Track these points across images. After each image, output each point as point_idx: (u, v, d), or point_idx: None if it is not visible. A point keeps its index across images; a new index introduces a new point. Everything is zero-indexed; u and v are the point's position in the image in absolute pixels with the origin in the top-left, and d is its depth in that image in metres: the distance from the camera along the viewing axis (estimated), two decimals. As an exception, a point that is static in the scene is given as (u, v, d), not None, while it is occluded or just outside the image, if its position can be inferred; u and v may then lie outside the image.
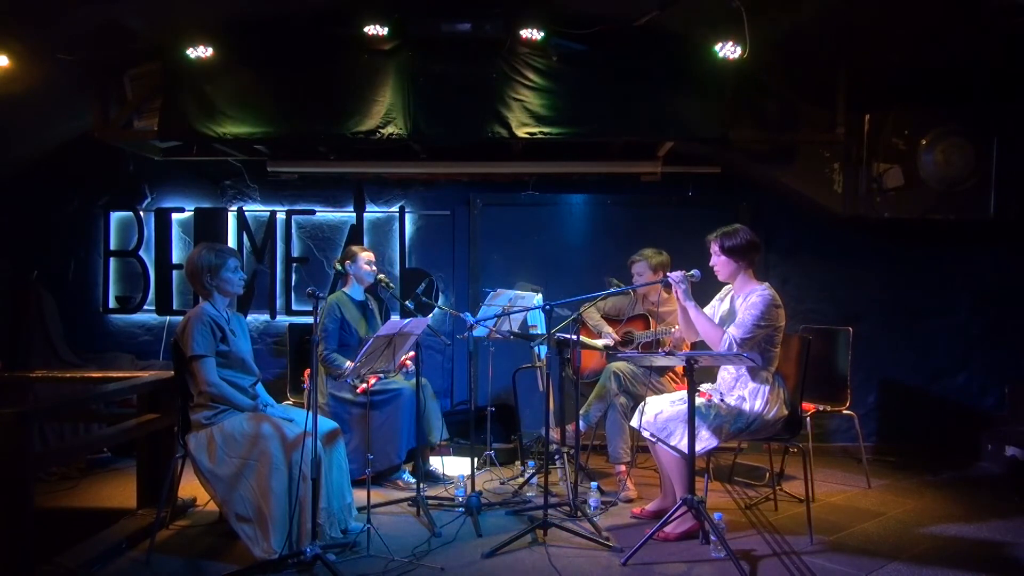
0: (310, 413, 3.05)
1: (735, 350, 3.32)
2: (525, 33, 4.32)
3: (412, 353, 4.15)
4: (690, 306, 3.45)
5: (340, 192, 5.67)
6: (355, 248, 4.52)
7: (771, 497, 4.06)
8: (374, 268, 4.45)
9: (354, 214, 5.65)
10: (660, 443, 3.48)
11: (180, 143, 5.14)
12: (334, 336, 4.28)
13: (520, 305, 4.24)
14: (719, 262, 3.54)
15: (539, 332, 4.31)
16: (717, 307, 3.66)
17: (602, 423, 4.32)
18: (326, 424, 3.48)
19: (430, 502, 3.86)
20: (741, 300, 3.46)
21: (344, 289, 4.48)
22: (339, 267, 4.49)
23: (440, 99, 4.54)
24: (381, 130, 4.53)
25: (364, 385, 4.10)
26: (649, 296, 4.60)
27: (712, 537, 3.25)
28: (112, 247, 5.67)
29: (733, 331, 3.36)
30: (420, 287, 5.45)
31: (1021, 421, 5.19)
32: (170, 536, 3.53)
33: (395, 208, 5.66)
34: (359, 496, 3.57)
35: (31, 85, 4.33)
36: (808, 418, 4.24)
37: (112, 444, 4.68)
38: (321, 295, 3.29)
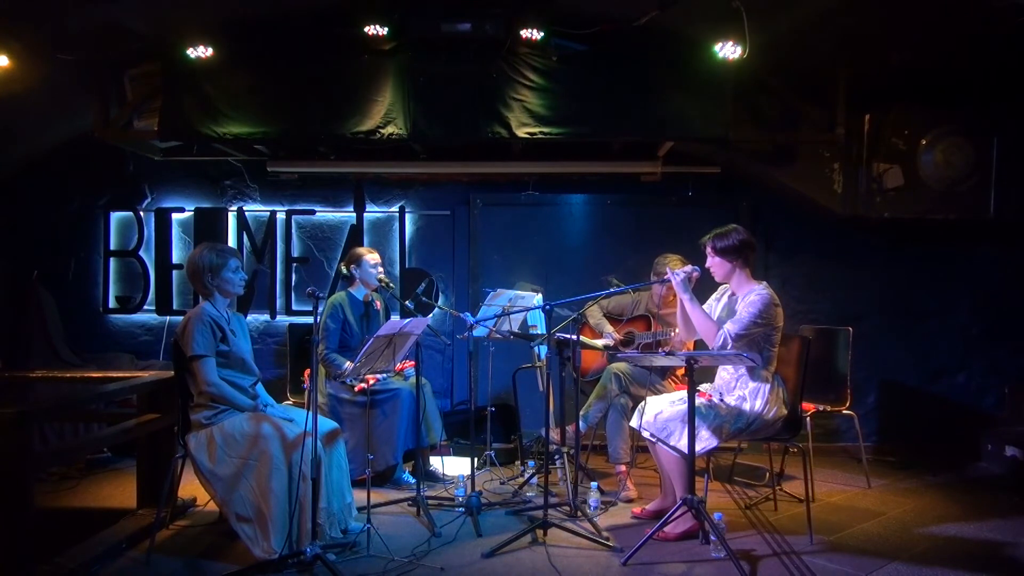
0: (310, 413, 3.05)
1: (730, 345, 3.33)
2: (525, 33, 4.32)
3: (412, 362, 4.16)
4: (686, 298, 3.47)
5: (340, 192, 5.67)
6: (360, 250, 4.48)
7: (771, 497, 4.06)
8: (379, 270, 4.43)
9: (354, 214, 5.65)
10: (660, 443, 3.48)
11: (180, 143, 5.15)
12: (335, 336, 4.28)
13: (520, 305, 4.24)
14: (714, 263, 3.55)
15: (539, 332, 4.31)
16: (714, 306, 3.67)
17: (602, 423, 4.33)
18: (326, 424, 3.47)
19: (430, 502, 3.86)
20: (740, 300, 3.47)
21: (349, 289, 4.48)
22: (344, 270, 4.46)
23: (440, 99, 4.54)
24: (381, 130, 4.54)
25: (363, 384, 4.09)
26: (652, 297, 4.60)
27: (712, 537, 3.25)
28: (112, 247, 5.67)
29: (729, 326, 3.37)
30: (420, 287, 5.45)
31: (1021, 421, 5.19)
32: (170, 536, 3.53)
33: (395, 208, 5.66)
34: (359, 496, 3.57)
35: (31, 85, 4.33)
36: (808, 418, 4.24)
37: (112, 444, 4.68)
38: (321, 295, 3.29)
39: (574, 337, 3.80)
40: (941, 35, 4.27)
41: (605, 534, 3.46)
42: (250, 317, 5.60)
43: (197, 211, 5.62)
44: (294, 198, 5.69)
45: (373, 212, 5.68)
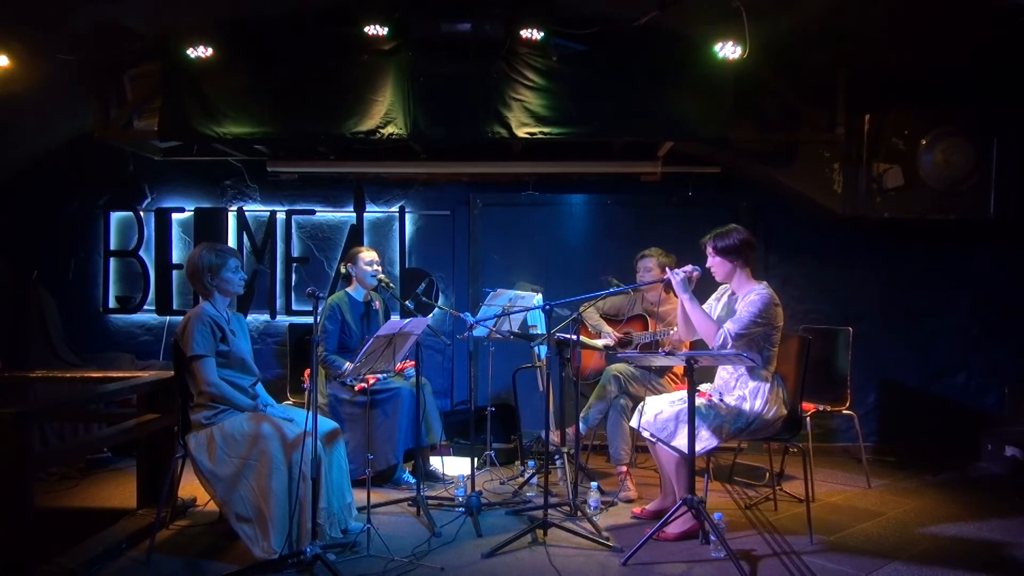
0: (310, 413, 3.05)
1: (729, 345, 3.33)
2: (525, 33, 4.32)
3: (412, 362, 4.16)
4: (686, 298, 3.47)
5: (340, 192, 5.67)
6: (355, 249, 4.53)
7: (771, 497, 4.06)
8: (376, 268, 4.43)
9: (354, 214, 5.65)
10: (660, 443, 3.48)
11: (180, 143, 5.14)
12: (334, 338, 4.28)
13: (520, 305, 4.24)
14: (714, 263, 3.55)
15: (539, 332, 4.31)
16: (714, 306, 3.67)
17: (602, 424, 4.33)
18: (326, 424, 3.47)
19: (430, 502, 3.86)
20: (740, 300, 3.47)
21: (347, 290, 4.48)
22: (343, 270, 4.49)
23: (440, 99, 4.54)
24: (381, 130, 4.54)
25: (363, 384, 4.09)
26: (648, 296, 4.60)
27: (712, 537, 3.25)
28: (112, 247, 5.67)
29: (729, 326, 3.37)
30: (420, 287, 5.45)
31: (1021, 421, 5.19)
32: (170, 536, 3.53)
33: (395, 208, 5.66)
34: (359, 496, 3.57)
35: (31, 85, 4.33)
36: (808, 418, 4.24)
37: (112, 444, 4.68)
38: (321, 295, 3.29)
39: (574, 337, 3.80)
40: (941, 35, 4.28)
41: (605, 534, 3.47)
42: (250, 317, 5.60)
43: (197, 211, 5.62)
44: (294, 198, 5.69)
45: (373, 212, 5.68)
